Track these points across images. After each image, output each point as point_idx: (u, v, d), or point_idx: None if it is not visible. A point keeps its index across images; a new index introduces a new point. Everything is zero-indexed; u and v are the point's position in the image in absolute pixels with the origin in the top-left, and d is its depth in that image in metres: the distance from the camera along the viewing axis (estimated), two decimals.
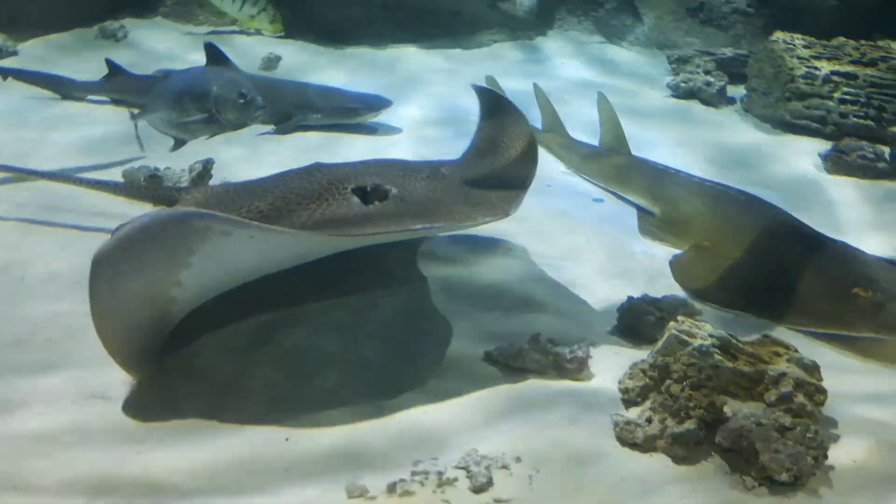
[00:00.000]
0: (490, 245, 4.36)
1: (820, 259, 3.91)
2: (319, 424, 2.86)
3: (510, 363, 3.31)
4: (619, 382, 3.11)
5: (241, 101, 4.15)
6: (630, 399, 3.05)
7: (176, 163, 4.73)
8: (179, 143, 4.57)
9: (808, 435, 2.68)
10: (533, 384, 3.20)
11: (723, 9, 8.52)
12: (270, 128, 5.85)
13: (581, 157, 5.55)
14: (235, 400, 2.97)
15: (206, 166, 4.76)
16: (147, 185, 4.47)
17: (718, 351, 3.00)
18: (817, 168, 5.78)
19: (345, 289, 3.68)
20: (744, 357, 3.01)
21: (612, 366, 3.29)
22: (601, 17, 8.89)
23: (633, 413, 2.95)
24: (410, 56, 7.90)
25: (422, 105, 6.62)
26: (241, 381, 3.08)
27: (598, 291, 3.98)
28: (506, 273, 4.10)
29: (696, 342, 3.02)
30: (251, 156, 5.40)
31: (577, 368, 3.27)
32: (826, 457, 2.69)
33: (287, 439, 2.79)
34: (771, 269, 3.97)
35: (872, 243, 4.49)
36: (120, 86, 5.94)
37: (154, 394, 2.95)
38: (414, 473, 2.65)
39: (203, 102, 4.19)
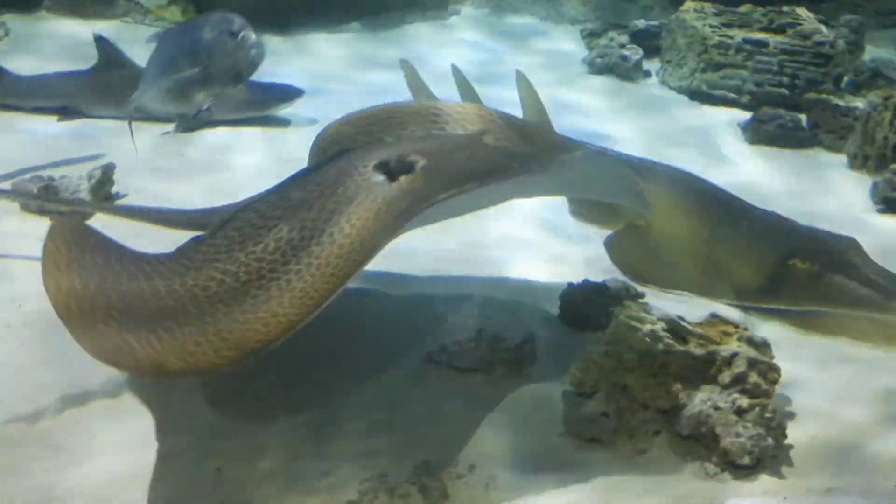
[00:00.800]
0: (422, 236, 4.20)
1: (755, 232, 3.91)
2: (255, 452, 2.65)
3: (454, 363, 3.17)
4: (570, 374, 3.01)
5: (232, 41, 3.34)
6: (582, 392, 2.95)
7: (74, 170, 4.37)
8: (184, 122, 3.78)
9: (767, 415, 2.65)
10: (480, 384, 3.07)
11: None
12: (172, 126, 5.46)
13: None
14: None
15: (107, 173, 4.39)
16: (40, 196, 4.09)
17: (669, 335, 2.94)
18: (738, 139, 5.86)
19: None
20: (694, 339, 2.95)
21: (560, 358, 3.19)
22: None
23: (588, 406, 2.85)
24: (321, 42, 7.63)
25: (341, 93, 6.38)
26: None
27: (536, 279, 3.90)
28: (441, 264, 3.95)
29: (646, 327, 2.93)
30: (155, 158, 5.00)
31: (526, 363, 3.16)
32: (785, 436, 2.67)
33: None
34: (707, 245, 3.95)
35: (795, 213, 4.53)
36: (4, 89, 5.46)
37: None
38: (362, 493, 2.49)
39: (196, 57, 3.40)
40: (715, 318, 3.05)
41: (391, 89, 6.11)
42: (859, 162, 5.20)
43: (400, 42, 7.83)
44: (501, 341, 3.20)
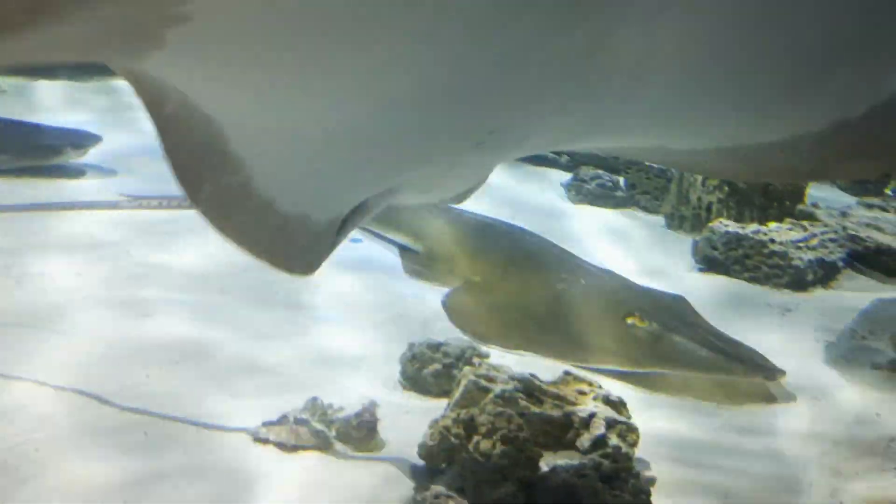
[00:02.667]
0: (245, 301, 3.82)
1: (592, 290, 3.91)
2: None
3: (284, 440, 2.78)
4: (419, 446, 2.73)
5: None
6: (435, 466, 2.67)
7: None
8: None
9: (632, 482, 2.52)
10: (315, 463, 2.71)
11: None
12: None
13: None
14: None
15: None
16: None
17: (523, 395, 2.78)
18: (562, 198, 6.00)
19: None
20: (549, 399, 2.81)
21: (406, 426, 2.92)
22: None
23: (441, 482, 2.57)
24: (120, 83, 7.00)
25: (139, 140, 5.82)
26: None
27: (371, 342, 3.64)
28: (264, 333, 3.57)
29: (498, 387, 2.76)
30: None
31: (367, 436, 2.84)
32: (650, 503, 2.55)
33: None
34: (545, 303, 3.90)
35: (624, 271, 4.65)
36: None
37: None
38: None
39: None
40: (569, 376, 2.93)
41: None
42: (676, 222, 5.47)
43: None
44: (337, 411, 2.88)
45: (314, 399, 2.87)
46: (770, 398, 3.49)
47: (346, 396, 3.02)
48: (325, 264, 4.30)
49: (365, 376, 3.32)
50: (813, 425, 3.31)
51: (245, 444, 2.76)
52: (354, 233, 4.75)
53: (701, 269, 4.83)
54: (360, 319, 3.84)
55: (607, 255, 4.95)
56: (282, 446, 2.74)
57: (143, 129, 6.13)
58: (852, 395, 3.54)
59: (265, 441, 2.76)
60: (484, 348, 3.42)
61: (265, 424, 2.81)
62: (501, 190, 6.02)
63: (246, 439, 2.78)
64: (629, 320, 3.64)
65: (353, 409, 2.86)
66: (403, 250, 4.65)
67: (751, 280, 4.66)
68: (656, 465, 2.85)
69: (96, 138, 5.30)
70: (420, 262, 4.49)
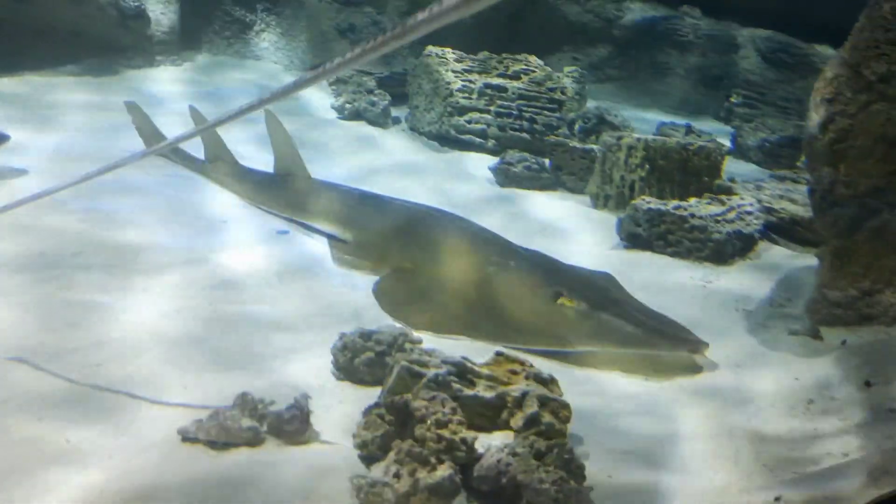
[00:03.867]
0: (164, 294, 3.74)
1: (522, 272, 3.96)
2: None
3: (214, 438, 2.75)
4: (354, 436, 2.73)
5: None
6: (370, 454, 2.68)
7: None
8: None
9: (566, 457, 2.58)
10: (246, 459, 2.68)
11: (371, 29, 8.73)
12: None
13: (256, 186, 5.12)
14: None
15: None
16: None
17: (456, 379, 2.81)
18: (490, 182, 6.04)
19: None
20: (482, 381, 2.85)
21: (340, 417, 2.92)
22: (252, 38, 8.57)
23: (377, 470, 2.58)
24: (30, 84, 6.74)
25: (57, 141, 5.65)
26: None
27: (302, 334, 3.61)
28: (191, 326, 3.51)
29: (431, 371, 2.78)
30: None
31: (300, 429, 2.82)
32: (584, 477, 2.61)
33: None
34: (476, 287, 3.93)
35: (552, 251, 4.69)
36: None
37: None
38: None
39: None
40: (500, 357, 2.97)
41: (122, 130, 5.58)
42: (602, 201, 5.58)
43: (129, 85, 7.23)
44: (268, 406, 2.85)
45: (244, 394, 2.83)
46: (695, 369, 3.61)
47: (278, 390, 3.00)
48: (253, 256, 4.28)
49: (296, 368, 3.29)
50: (736, 393, 3.44)
51: (174, 443, 2.71)
52: (281, 224, 4.78)
53: (626, 246, 4.95)
54: (290, 311, 3.80)
55: (536, 236, 5.02)
56: (212, 444, 2.70)
57: (56, 128, 5.95)
58: (772, 361, 3.69)
59: (194, 440, 2.71)
60: (416, 334, 3.42)
61: (195, 423, 2.77)
62: (431, 176, 6.05)
63: (175, 439, 2.73)
64: (558, 300, 3.70)
65: (285, 403, 2.83)
66: (332, 240, 4.63)
67: (673, 255, 4.80)
68: (589, 439, 2.92)
69: (4, 137, 5.13)
70: (349, 251, 4.47)
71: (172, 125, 5.51)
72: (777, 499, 2.53)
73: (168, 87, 7.42)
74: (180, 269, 4.06)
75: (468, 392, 2.76)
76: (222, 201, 5.05)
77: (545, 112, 6.77)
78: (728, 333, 3.95)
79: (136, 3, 7.64)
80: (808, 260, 4.65)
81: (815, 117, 3.64)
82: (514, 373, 2.90)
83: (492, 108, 6.74)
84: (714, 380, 3.56)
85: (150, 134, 5.46)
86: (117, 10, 7.53)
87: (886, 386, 3.27)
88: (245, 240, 4.54)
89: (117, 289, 3.77)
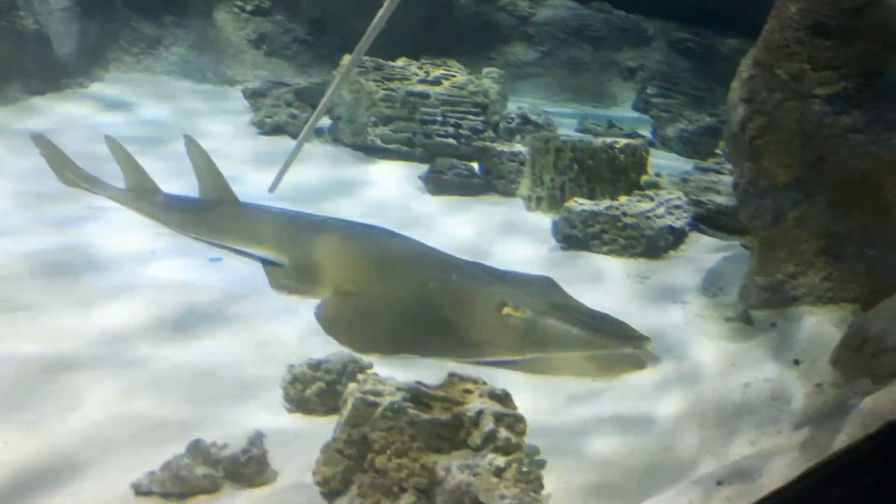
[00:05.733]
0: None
1: (465, 285, 4.02)
2: None
3: (169, 490, 2.71)
4: (314, 473, 2.75)
5: None
6: (332, 490, 2.70)
7: None
8: None
9: (524, 470, 2.65)
10: None
11: (283, 38, 8.67)
12: None
13: (182, 214, 5.04)
14: None
15: None
16: None
17: (412, 404, 2.84)
18: (420, 191, 6.10)
19: None
20: (438, 403, 2.88)
21: (297, 453, 2.92)
22: (161, 54, 8.38)
23: None
24: None
25: None
26: None
27: (247, 368, 3.59)
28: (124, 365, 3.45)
29: (386, 400, 2.81)
30: None
31: (257, 470, 2.81)
32: (542, 486, 2.70)
33: None
34: (420, 303, 3.97)
35: (492, 259, 4.80)
36: None
37: None
38: None
39: None
40: (454, 377, 3.01)
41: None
42: (534, 203, 5.70)
43: (32, 113, 6.97)
44: (222, 450, 2.83)
45: (196, 441, 2.80)
46: (639, 364, 3.75)
47: (231, 431, 2.98)
48: (186, 288, 4.21)
49: (247, 406, 3.27)
50: (679, 384, 3.59)
51: (127, 498, 2.66)
52: (213, 251, 4.72)
53: (563, 248, 5.08)
54: (232, 344, 3.77)
55: (474, 244, 5.10)
56: (167, 497, 2.67)
57: None
58: (710, 349, 3.87)
59: (148, 493, 2.67)
60: (365, 358, 3.45)
61: (147, 475, 2.73)
62: (360, 189, 6.06)
63: (128, 493, 2.68)
64: (504, 310, 3.79)
65: (240, 445, 2.81)
66: (267, 265, 4.59)
67: (609, 253, 4.95)
68: (544, 448, 3.01)
69: None
70: (287, 276, 4.45)
71: (84, 153, 5.35)
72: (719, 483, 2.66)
73: (76, 110, 7.19)
74: (109, 306, 3.96)
75: (425, 416, 2.79)
76: (148, 232, 4.95)
77: (469, 116, 6.85)
78: (668, 326, 4.11)
79: (34, 27, 7.36)
80: (735, 248, 4.87)
81: (735, 116, 3.82)
82: (468, 392, 2.95)
83: (416, 116, 6.78)
84: (657, 373, 3.69)
85: (61, 164, 5.30)
86: (16, 35, 7.24)
87: (814, 363, 3.48)
88: (177, 271, 4.47)
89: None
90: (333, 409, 3.11)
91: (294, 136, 7.10)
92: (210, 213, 4.96)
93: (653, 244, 4.94)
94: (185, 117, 7.26)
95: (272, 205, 5.08)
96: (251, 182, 5.76)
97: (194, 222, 4.96)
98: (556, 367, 3.70)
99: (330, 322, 3.98)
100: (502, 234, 5.33)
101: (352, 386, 2.92)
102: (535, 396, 3.42)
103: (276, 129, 7.14)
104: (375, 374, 3.05)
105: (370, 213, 5.35)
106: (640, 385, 3.61)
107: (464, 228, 5.43)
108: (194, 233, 4.94)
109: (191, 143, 5.10)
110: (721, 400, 3.42)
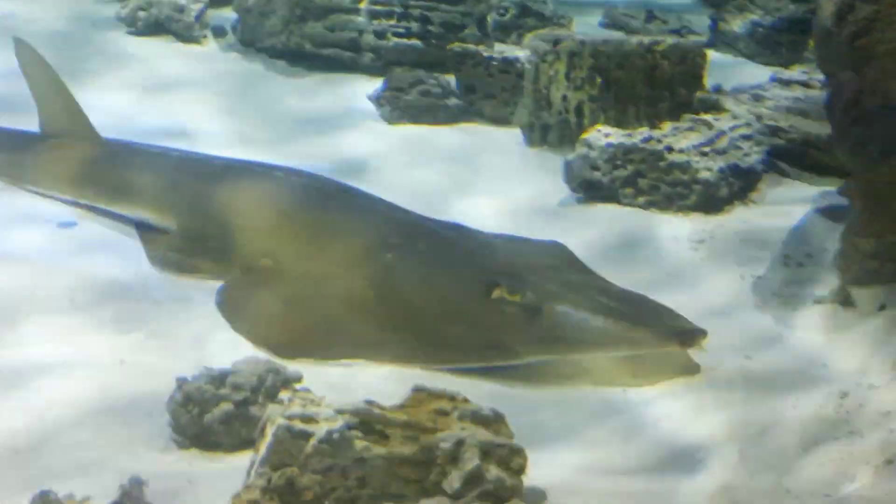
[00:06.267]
0: None
1: (436, 256, 4.04)
2: None
3: None
4: None
5: None
6: None
7: None
8: None
9: None
10: None
11: None
12: None
13: (12, 156, 5.04)
14: None
15: None
16: None
17: (360, 433, 2.87)
18: (372, 117, 6.09)
19: None
20: (398, 431, 2.91)
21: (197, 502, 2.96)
22: None
23: None
24: None
25: None
26: None
27: (118, 382, 3.61)
28: None
29: (322, 429, 2.83)
30: None
31: None
32: None
33: None
34: (371, 283, 3.98)
35: (472, 218, 4.76)
36: None
37: None
38: None
39: None
40: (421, 393, 3.04)
41: None
42: (538, 134, 5.70)
43: None
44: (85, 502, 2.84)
45: (44, 494, 2.80)
46: (691, 368, 3.78)
47: (97, 474, 3.00)
48: (24, 268, 4.19)
49: (118, 439, 3.28)
50: (746, 396, 3.63)
51: None
52: (65, 212, 4.69)
53: (580, 200, 5.08)
54: (93, 352, 3.78)
55: (449, 198, 5.12)
56: None
57: None
58: (792, 343, 3.93)
59: None
60: (291, 366, 3.45)
61: None
62: (280, 117, 6.03)
63: None
64: (494, 293, 3.79)
65: (108, 497, 2.83)
66: (146, 230, 4.60)
67: (648, 206, 4.98)
68: (555, 495, 3.03)
69: None
70: (174, 246, 4.46)
71: None
72: None
73: None
74: None
75: (379, 451, 2.81)
76: None
77: (442, 6, 6.81)
78: (732, 313, 4.16)
79: None
80: (830, 197, 4.90)
81: (828, 4, 3.82)
82: (443, 413, 2.97)
83: (362, 7, 6.73)
84: (718, 382, 3.73)
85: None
86: None
87: None
88: (8, 243, 4.48)
89: None
90: (246, 443, 3.13)
91: (181, 36, 7.04)
92: (57, 156, 4.93)
93: (710, 193, 4.96)
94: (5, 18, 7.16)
95: (151, 143, 5.07)
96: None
97: (32, 169, 4.95)
98: (570, 374, 3.73)
99: (238, 314, 3.99)
100: (489, 181, 5.35)
101: (272, 408, 2.94)
102: (538, 419, 3.44)
103: (156, 28, 7.13)
104: (306, 391, 3.08)
105: (294, 154, 5.34)
106: (692, 400, 3.65)
107: (433, 174, 5.43)
108: (32, 184, 4.93)
109: (23, 49, 5.05)
110: (810, 418, 3.47)
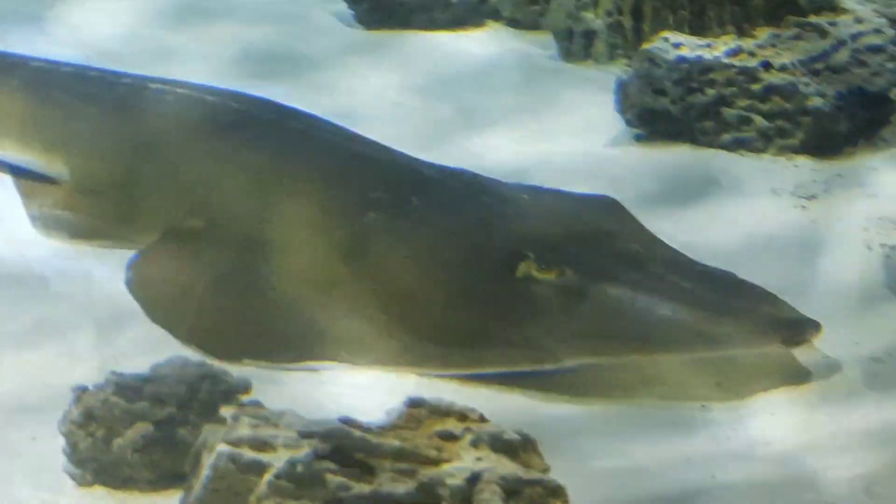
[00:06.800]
0: None
1: (437, 217, 4.09)
2: None
3: None
4: None
5: None
6: None
7: None
8: None
9: None
10: None
11: None
12: None
13: None
14: None
15: None
16: None
17: (334, 465, 2.90)
18: (348, 23, 6.22)
19: None
20: (388, 462, 2.94)
21: None
22: None
23: None
24: None
25: None
26: None
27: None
28: None
29: (282, 458, 2.87)
30: None
31: None
32: None
33: None
34: (345, 257, 4.04)
35: (488, 165, 4.83)
36: None
37: None
38: None
39: None
40: (419, 408, 3.07)
41: None
42: (578, 45, 5.75)
43: None
44: None
45: None
46: (799, 376, 3.83)
47: None
48: None
49: None
50: (879, 414, 3.67)
51: None
52: None
53: (639, 137, 5.14)
54: None
55: (452, 132, 5.17)
56: None
57: None
58: None
59: None
60: (235, 371, 3.49)
61: None
62: (220, 20, 6.06)
63: None
64: (519, 269, 3.84)
65: None
66: (25, 178, 4.69)
67: (736, 147, 5.03)
68: None
69: None
70: (64, 202, 4.54)
71: None
72: None
73: None
74: None
75: (362, 489, 2.85)
76: None
77: None
78: (854, 296, 4.22)
79: None
80: None
81: None
82: (450, 437, 3.00)
83: None
84: (836, 394, 3.77)
85: None
86: None
87: None
88: None
89: None
90: (171, 479, 3.19)
91: None
92: None
93: (823, 128, 5.01)
94: None
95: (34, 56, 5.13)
96: None
97: None
98: (626, 383, 3.79)
99: (158, 297, 4.05)
100: (512, 111, 5.41)
101: (210, 430, 2.98)
102: (583, 446, 3.49)
103: None
104: (257, 405, 3.11)
105: (239, 74, 5.41)
106: (800, 419, 3.69)
107: (432, 100, 5.47)
108: None
109: None
110: None
